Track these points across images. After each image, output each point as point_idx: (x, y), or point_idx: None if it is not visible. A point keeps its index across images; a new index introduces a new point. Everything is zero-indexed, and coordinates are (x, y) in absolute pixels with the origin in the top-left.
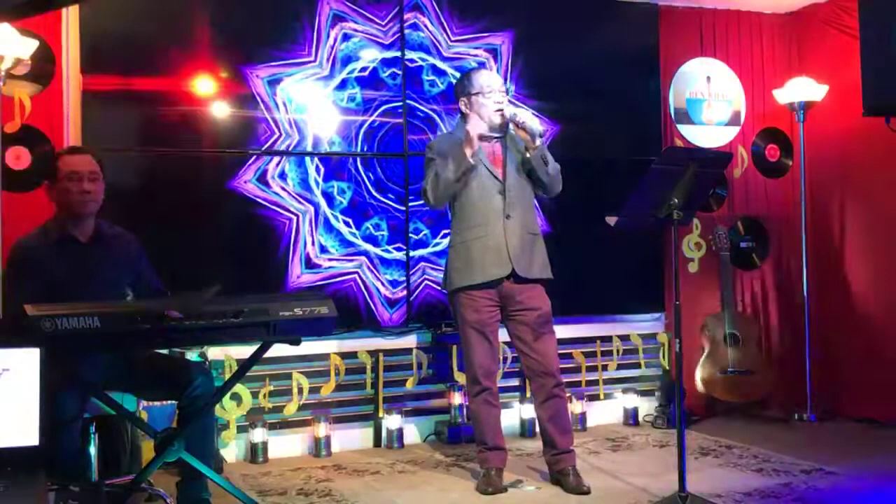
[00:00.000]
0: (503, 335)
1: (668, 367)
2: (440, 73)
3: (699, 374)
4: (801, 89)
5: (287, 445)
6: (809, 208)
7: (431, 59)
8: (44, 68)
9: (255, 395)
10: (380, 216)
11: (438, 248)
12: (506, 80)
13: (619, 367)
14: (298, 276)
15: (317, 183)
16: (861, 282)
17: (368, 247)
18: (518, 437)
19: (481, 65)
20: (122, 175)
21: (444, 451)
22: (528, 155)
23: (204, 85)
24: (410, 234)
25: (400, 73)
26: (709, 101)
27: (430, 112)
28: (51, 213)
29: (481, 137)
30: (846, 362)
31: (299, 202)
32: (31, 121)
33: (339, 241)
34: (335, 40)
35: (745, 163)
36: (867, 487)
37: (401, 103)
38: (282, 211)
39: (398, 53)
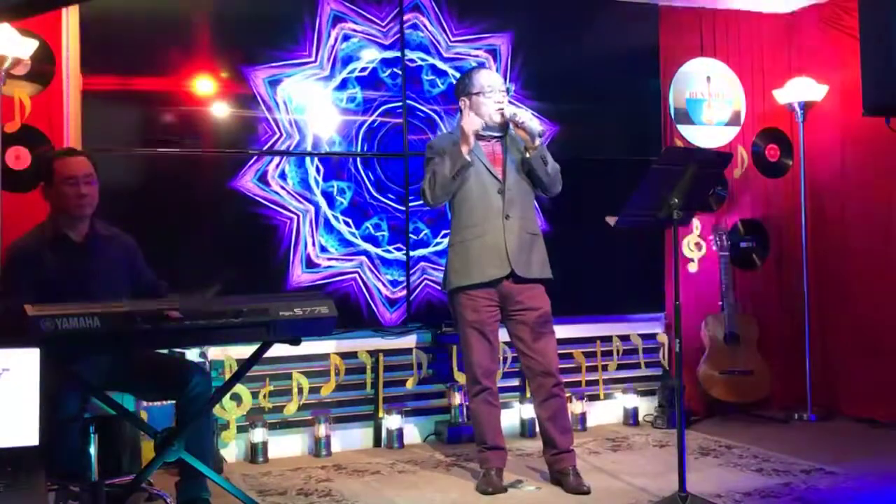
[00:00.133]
0: (503, 335)
1: (667, 367)
2: (440, 73)
3: (699, 374)
4: (801, 89)
5: (287, 445)
6: (809, 208)
7: (431, 60)
8: (44, 68)
9: (255, 395)
10: (380, 216)
11: (438, 248)
12: (506, 80)
13: (619, 367)
14: (299, 275)
15: (317, 183)
16: (861, 282)
17: (368, 247)
18: (518, 437)
19: (481, 65)
20: (122, 175)
21: (444, 451)
22: (527, 155)
23: (204, 85)
24: (410, 234)
25: (400, 73)
26: (709, 102)
27: (430, 112)
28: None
29: (478, 135)
30: (846, 362)
31: (299, 202)
32: (30, 121)
33: (340, 241)
34: (335, 40)
35: (745, 163)
36: (867, 487)
37: (401, 103)
38: (282, 211)
39: (398, 54)
